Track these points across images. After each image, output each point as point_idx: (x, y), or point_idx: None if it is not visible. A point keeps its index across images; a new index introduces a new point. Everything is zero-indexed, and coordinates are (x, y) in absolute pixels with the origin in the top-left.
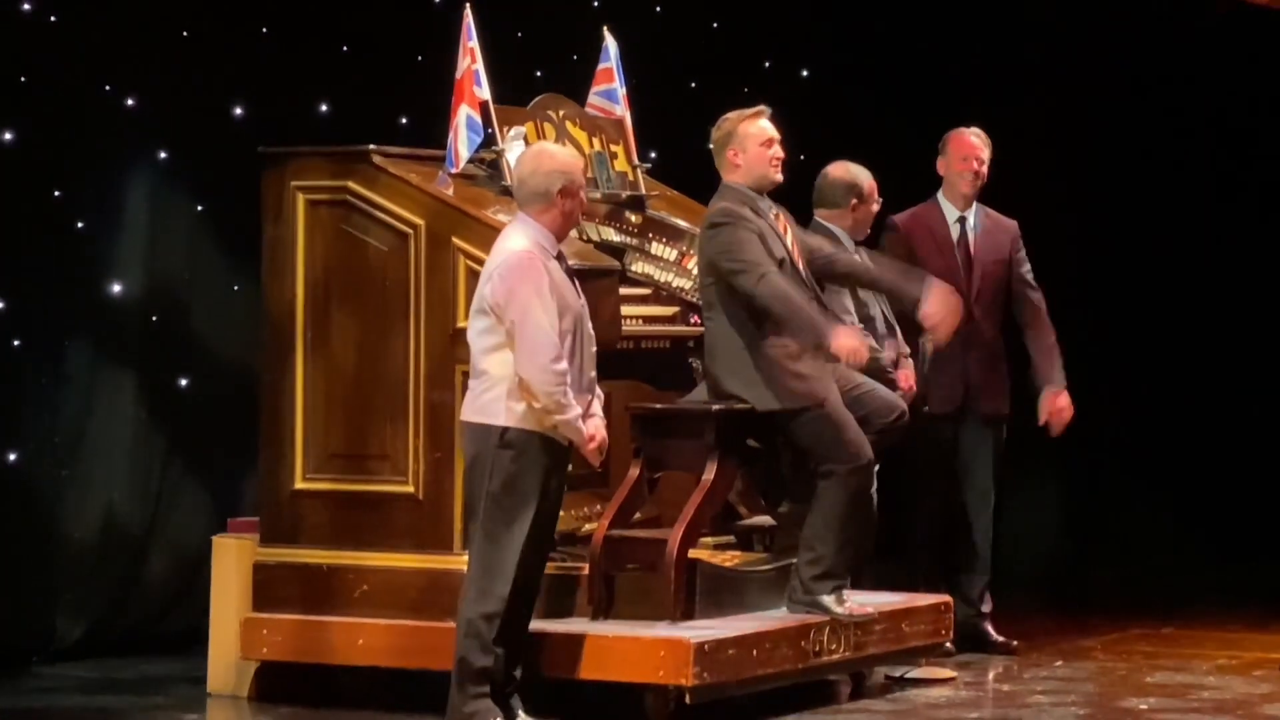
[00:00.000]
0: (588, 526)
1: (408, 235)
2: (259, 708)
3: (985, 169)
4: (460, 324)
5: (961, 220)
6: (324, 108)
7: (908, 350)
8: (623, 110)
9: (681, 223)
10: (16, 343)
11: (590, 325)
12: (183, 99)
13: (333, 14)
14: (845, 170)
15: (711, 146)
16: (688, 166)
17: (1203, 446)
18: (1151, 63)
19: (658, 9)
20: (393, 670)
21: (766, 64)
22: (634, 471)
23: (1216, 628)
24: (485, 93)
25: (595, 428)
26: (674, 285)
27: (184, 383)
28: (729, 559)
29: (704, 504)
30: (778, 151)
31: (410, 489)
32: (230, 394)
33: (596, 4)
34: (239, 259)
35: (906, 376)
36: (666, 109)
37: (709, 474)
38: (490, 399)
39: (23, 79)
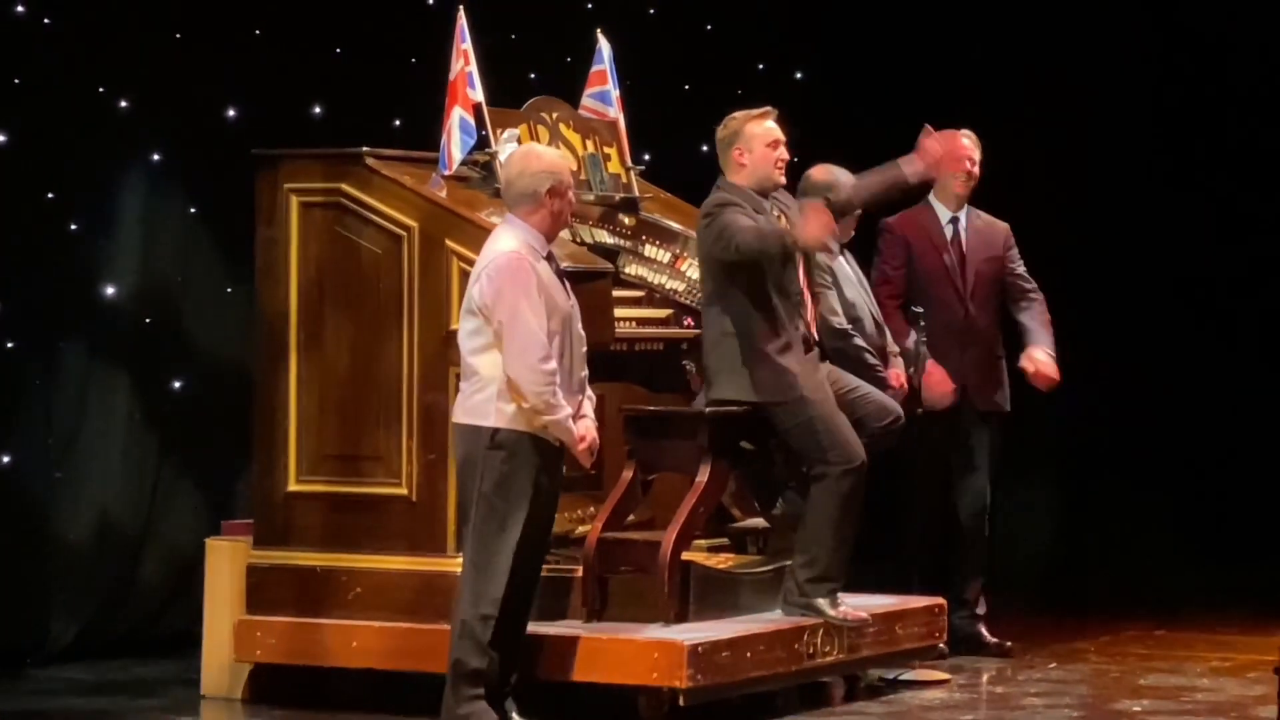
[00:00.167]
0: (581, 529)
1: (401, 237)
2: (252, 710)
3: (977, 169)
4: (453, 326)
5: (954, 221)
6: (317, 110)
7: (896, 349)
8: (616, 112)
9: (675, 225)
10: (10, 344)
11: (580, 326)
12: (176, 101)
13: (326, 16)
14: (827, 173)
15: (716, 144)
16: (681, 169)
17: (1197, 449)
18: (1145, 63)
19: (651, 11)
20: (386, 672)
21: (760, 66)
22: (628, 474)
23: (1210, 630)
24: (479, 95)
25: (586, 429)
26: (667, 287)
27: (178, 384)
28: (722, 561)
29: (697, 506)
30: (783, 154)
31: (404, 491)
32: (224, 396)
33: (590, 6)
34: (233, 261)
35: (897, 375)
36: (660, 111)
37: (702, 476)
38: (480, 400)
39: (16, 81)
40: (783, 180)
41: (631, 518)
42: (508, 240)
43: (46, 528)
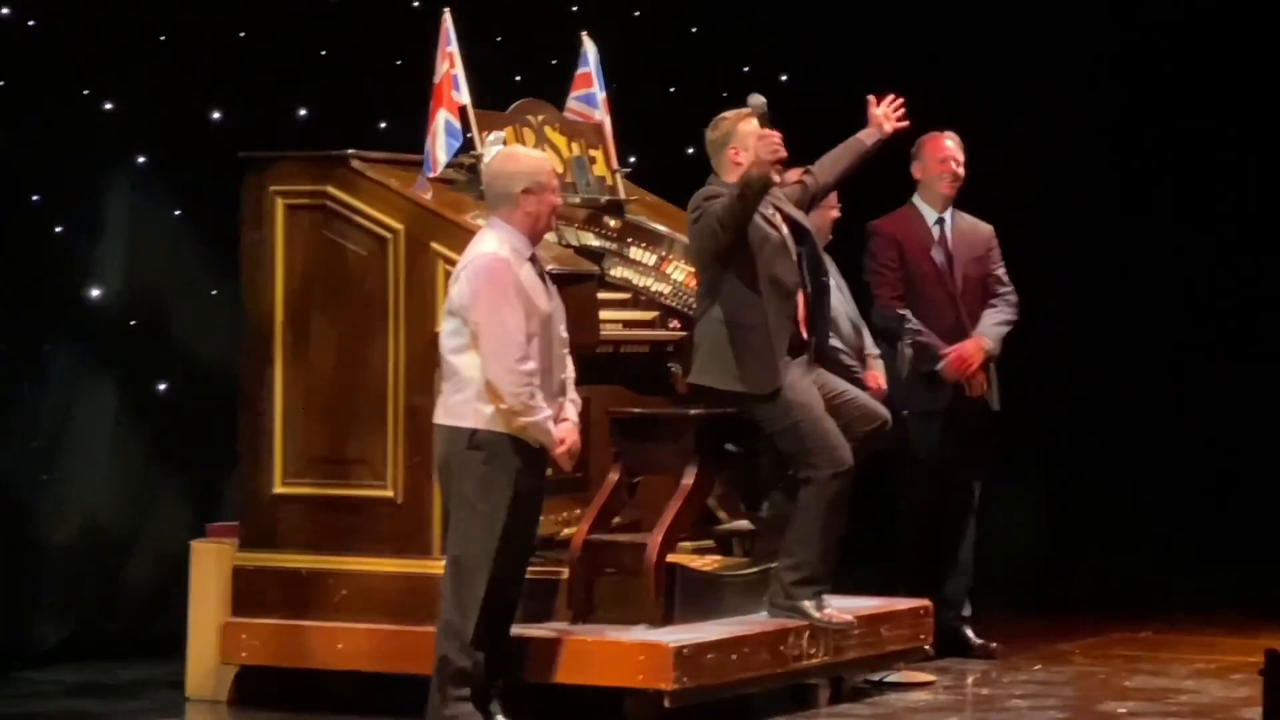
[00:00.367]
0: (567, 531)
1: (387, 240)
2: (238, 712)
3: (962, 169)
4: (439, 329)
5: (940, 222)
6: (303, 112)
7: (876, 351)
8: (602, 115)
9: (661, 228)
10: None
11: (563, 329)
12: (161, 103)
13: (311, 19)
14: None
15: (707, 145)
16: (667, 171)
17: (1182, 451)
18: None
19: (636, 13)
20: (372, 675)
21: (745, 69)
22: (613, 476)
23: (1195, 632)
24: (464, 97)
25: (566, 432)
26: (653, 290)
27: (163, 387)
28: (709, 563)
29: (683, 508)
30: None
31: (389, 493)
32: (210, 398)
33: (575, 8)
34: (218, 264)
35: (875, 377)
36: (646, 114)
37: (688, 478)
38: (459, 401)
39: (1, 83)
40: (777, 179)
41: (617, 520)
42: (490, 242)
43: (33, 530)
